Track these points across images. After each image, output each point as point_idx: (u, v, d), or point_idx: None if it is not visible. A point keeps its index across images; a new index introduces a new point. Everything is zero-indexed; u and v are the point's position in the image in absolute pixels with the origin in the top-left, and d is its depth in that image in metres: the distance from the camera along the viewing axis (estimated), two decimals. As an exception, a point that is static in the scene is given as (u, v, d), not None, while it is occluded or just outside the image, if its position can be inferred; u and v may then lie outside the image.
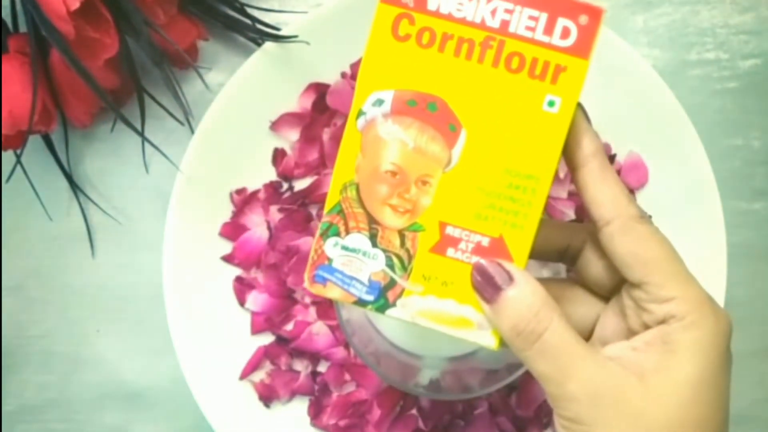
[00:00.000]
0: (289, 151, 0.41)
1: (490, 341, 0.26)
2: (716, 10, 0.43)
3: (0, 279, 0.43)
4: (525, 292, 0.24)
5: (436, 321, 0.26)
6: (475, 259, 0.25)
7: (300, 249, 0.40)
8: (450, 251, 0.26)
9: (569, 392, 0.24)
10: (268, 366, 0.41)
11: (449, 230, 0.25)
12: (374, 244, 0.26)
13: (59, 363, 0.43)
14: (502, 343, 0.25)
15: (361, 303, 0.26)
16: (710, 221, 0.39)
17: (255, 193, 0.41)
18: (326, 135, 0.41)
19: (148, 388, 0.43)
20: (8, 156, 0.42)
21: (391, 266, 0.26)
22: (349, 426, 0.40)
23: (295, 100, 0.41)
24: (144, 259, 0.43)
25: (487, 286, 0.25)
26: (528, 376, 0.40)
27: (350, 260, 0.26)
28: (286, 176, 0.41)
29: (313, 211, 0.41)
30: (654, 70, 0.40)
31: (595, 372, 0.24)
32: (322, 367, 0.41)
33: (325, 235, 0.26)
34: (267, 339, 0.41)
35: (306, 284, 0.26)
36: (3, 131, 0.37)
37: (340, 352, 0.41)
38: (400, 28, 0.25)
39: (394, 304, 0.26)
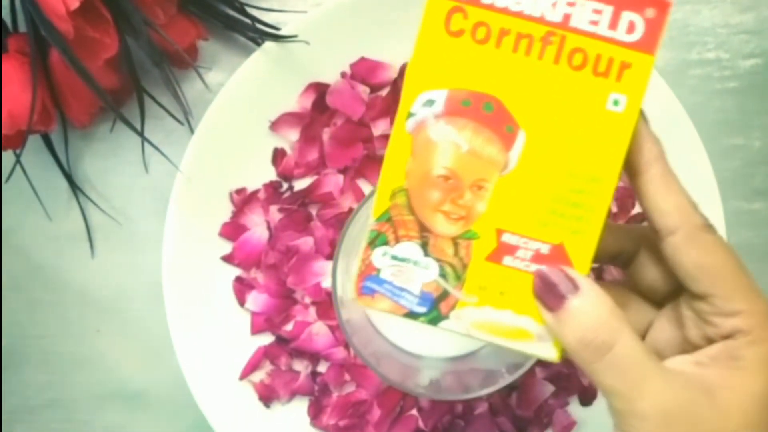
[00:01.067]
0: (289, 151, 0.41)
1: (550, 353, 0.24)
2: (717, 10, 0.43)
3: (0, 279, 0.43)
4: (592, 302, 0.23)
5: (493, 333, 0.25)
6: (534, 267, 0.24)
7: (300, 249, 0.40)
8: (507, 259, 0.24)
9: (640, 409, 0.23)
10: (268, 366, 0.41)
11: (506, 237, 0.24)
12: (426, 253, 0.25)
13: (59, 363, 0.43)
14: (564, 355, 0.24)
15: (412, 315, 0.25)
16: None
17: (255, 193, 0.41)
18: (326, 135, 0.41)
19: (148, 388, 0.43)
20: (8, 156, 0.42)
21: (443, 276, 0.25)
22: (349, 426, 0.40)
23: (295, 100, 0.41)
24: (144, 259, 0.43)
25: (550, 295, 0.24)
26: (528, 377, 0.40)
27: (400, 270, 0.25)
28: (286, 176, 0.41)
29: (313, 211, 0.41)
30: (654, 70, 0.40)
31: (666, 389, 0.23)
32: (322, 367, 0.41)
33: (373, 245, 0.25)
34: (267, 339, 0.41)
35: (353, 296, 0.25)
36: (3, 131, 0.37)
37: (340, 352, 0.40)
38: (453, 22, 0.24)
39: (447, 317, 0.25)
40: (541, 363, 0.40)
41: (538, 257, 0.24)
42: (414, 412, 0.40)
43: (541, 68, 0.23)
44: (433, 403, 0.40)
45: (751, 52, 0.43)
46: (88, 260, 0.43)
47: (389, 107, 0.41)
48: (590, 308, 0.23)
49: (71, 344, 0.43)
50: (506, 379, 0.35)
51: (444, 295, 0.25)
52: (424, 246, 0.25)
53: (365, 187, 0.41)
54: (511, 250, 0.24)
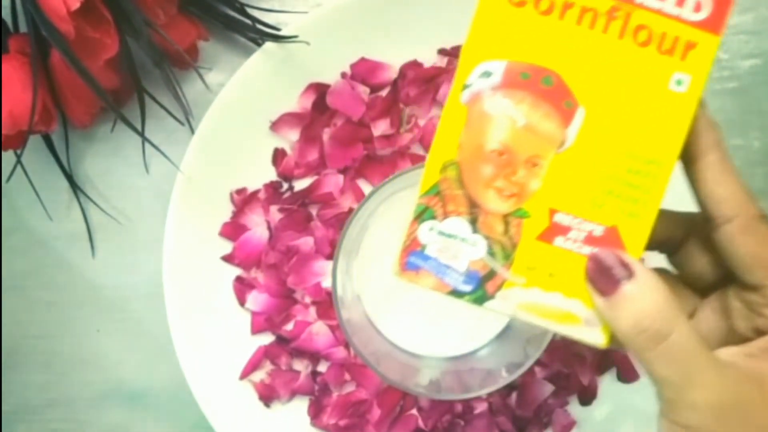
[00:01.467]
0: (289, 151, 0.41)
1: (598, 339, 0.24)
2: (716, 10, 0.43)
3: (0, 279, 0.43)
4: (648, 288, 0.22)
5: (540, 315, 0.24)
6: (586, 249, 0.23)
7: (300, 249, 0.40)
8: (558, 240, 0.23)
9: (692, 400, 0.22)
10: (268, 366, 0.41)
11: (559, 217, 0.23)
12: (474, 230, 0.24)
13: (59, 363, 0.43)
14: (612, 340, 0.24)
15: (456, 294, 0.24)
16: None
17: (255, 193, 0.41)
18: (326, 135, 0.41)
19: (148, 388, 0.43)
20: (8, 156, 0.42)
21: (492, 254, 0.24)
22: (349, 426, 0.40)
23: (295, 100, 0.41)
24: (144, 259, 0.43)
25: (603, 279, 0.23)
26: (528, 376, 0.40)
27: (447, 247, 0.24)
28: (286, 176, 0.41)
29: (313, 211, 0.41)
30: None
31: (719, 381, 0.22)
32: (322, 367, 0.41)
33: (419, 219, 0.24)
34: (267, 339, 0.41)
35: (395, 271, 0.24)
36: (3, 131, 0.37)
37: (340, 352, 0.41)
38: None
39: (493, 297, 0.24)
40: (540, 362, 0.40)
41: (590, 239, 0.23)
42: (414, 411, 0.40)
43: (604, 43, 0.23)
44: (433, 402, 0.40)
45: (751, 52, 0.43)
46: (88, 260, 0.43)
47: (389, 107, 0.41)
48: (646, 295, 0.23)
49: (71, 344, 0.43)
50: (506, 379, 0.35)
51: (491, 274, 0.24)
52: (473, 222, 0.24)
53: (365, 187, 0.41)
54: (563, 230, 0.23)
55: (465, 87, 0.23)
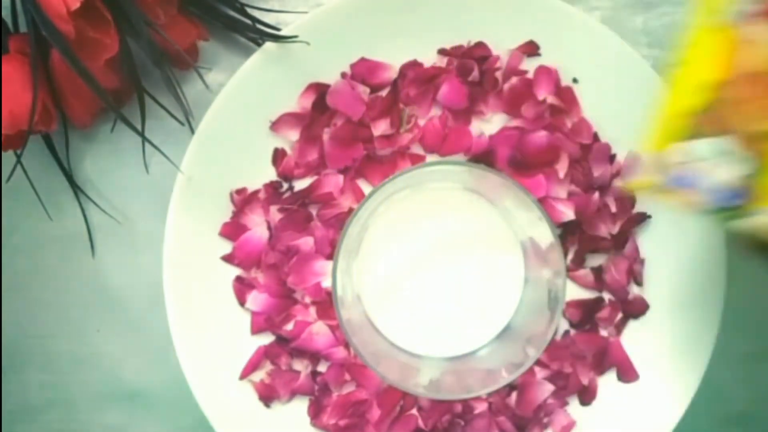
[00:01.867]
0: (289, 152, 0.41)
1: None
2: (716, 11, 0.43)
3: (0, 279, 0.43)
4: None
5: None
6: None
7: (300, 249, 0.40)
8: None
9: None
10: (268, 366, 0.41)
11: None
12: (731, 150, 0.24)
13: (59, 363, 0.43)
14: None
15: (709, 210, 0.24)
16: (709, 221, 0.39)
17: (255, 193, 0.41)
18: (326, 135, 0.41)
19: (148, 388, 0.43)
20: (8, 156, 0.42)
21: (747, 174, 0.24)
22: (349, 426, 0.40)
23: (295, 100, 0.41)
24: (144, 259, 0.43)
25: None
26: (528, 376, 0.40)
27: (703, 165, 0.24)
28: (286, 176, 0.41)
29: (313, 211, 0.41)
30: (654, 70, 0.40)
31: None
32: (322, 367, 0.41)
33: (677, 137, 0.24)
34: (267, 339, 0.41)
35: (650, 190, 0.25)
36: (3, 131, 0.37)
37: (340, 352, 0.41)
38: None
39: (745, 215, 0.24)
40: (540, 362, 0.40)
41: None
42: (414, 411, 0.40)
43: None
44: (433, 402, 0.40)
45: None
46: (88, 260, 0.43)
47: (389, 107, 0.41)
48: None
49: (71, 344, 0.43)
50: (506, 379, 0.35)
51: (746, 192, 0.24)
52: (731, 142, 0.24)
53: (365, 187, 0.41)
54: None
55: (727, 10, 0.23)
